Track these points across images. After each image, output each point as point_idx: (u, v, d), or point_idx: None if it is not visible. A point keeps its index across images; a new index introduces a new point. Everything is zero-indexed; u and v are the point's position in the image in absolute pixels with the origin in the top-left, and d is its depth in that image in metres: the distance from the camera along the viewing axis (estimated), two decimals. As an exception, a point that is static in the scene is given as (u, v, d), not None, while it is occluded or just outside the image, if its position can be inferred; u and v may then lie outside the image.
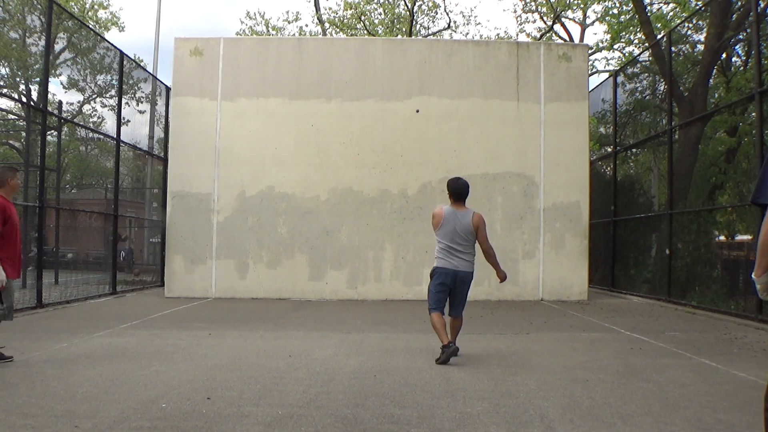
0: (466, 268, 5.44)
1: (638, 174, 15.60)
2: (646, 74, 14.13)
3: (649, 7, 16.45)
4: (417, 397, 4.18)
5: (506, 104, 11.60)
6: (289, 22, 24.97)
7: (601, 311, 9.56)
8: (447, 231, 5.43)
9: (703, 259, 11.06)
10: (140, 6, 55.83)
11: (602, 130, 16.32)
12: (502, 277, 5.57)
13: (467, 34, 32.33)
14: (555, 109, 11.59)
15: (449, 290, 5.49)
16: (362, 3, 22.74)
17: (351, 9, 22.65)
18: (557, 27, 23.67)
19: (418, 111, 11.37)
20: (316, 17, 23.55)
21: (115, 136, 12.08)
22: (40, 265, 9.27)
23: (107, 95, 17.31)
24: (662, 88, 13.12)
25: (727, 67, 13.17)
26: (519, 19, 38.97)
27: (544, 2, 22.12)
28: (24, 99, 19.10)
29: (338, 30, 23.27)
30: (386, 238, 11.41)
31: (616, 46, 20.24)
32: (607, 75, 19.65)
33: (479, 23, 55.64)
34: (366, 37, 20.81)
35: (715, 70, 12.44)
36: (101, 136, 19.27)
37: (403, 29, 22.95)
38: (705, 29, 12.32)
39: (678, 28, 12.95)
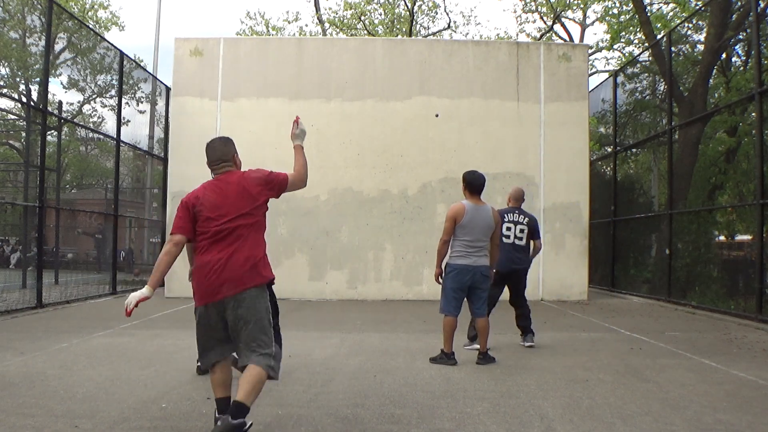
0: (486, 263, 5.33)
1: (638, 174, 15.60)
2: (646, 74, 14.13)
3: (649, 7, 16.46)
4: (417, 397, 4.18)
5: (506, 104, 11.60)
6: (289, 22, 25.02)
7: (601, 311, 9.56)
8: (471, 227, 5.26)
9: (703, 259, 11.06)
10: (140, 6, 55.84)
11: (602, 130, 16.31)
12: (490, 278, 5.49)
13: (467, 34, 32.38)
14: (555, 109, 11.58)
15: (467, 290, 5.34)
16: (362, 3, 22.74)
17: (351, 9, 22.65)
18: (557, 27, 23.70)
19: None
20: (316, 17, 23.57)
21: (115, 136, 12.08)
22: (40, 265, 9.26)
23: (107, 95, 17.35)
24: (662, 88, 13.12)
25: (727, 67, 13.17)
26: (519, 19, 39.06)
27: (544, 2, 22.12)
28: (24, 99, 19.11)
29: (338, 30, 23.27)
30: (386, 238, 11.41)
31: (616, 46, 20.25)
32: (607, 75, 19.66)
33: (479, 23, 55.70)
34: (366, 37, 20.81)
35: (715, 70, 12.43)
36: (101, 136, 19.28)
37: (403, 29, 22.95)
38: (705, 29, 12.33)
39: (678, 28, 12.95)
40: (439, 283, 5.50)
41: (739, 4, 11.38)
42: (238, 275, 3.14)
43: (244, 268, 3.17)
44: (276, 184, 3.47)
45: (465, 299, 5.41)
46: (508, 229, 6.15)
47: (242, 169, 3.55)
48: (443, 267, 5.44)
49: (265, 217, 3.40)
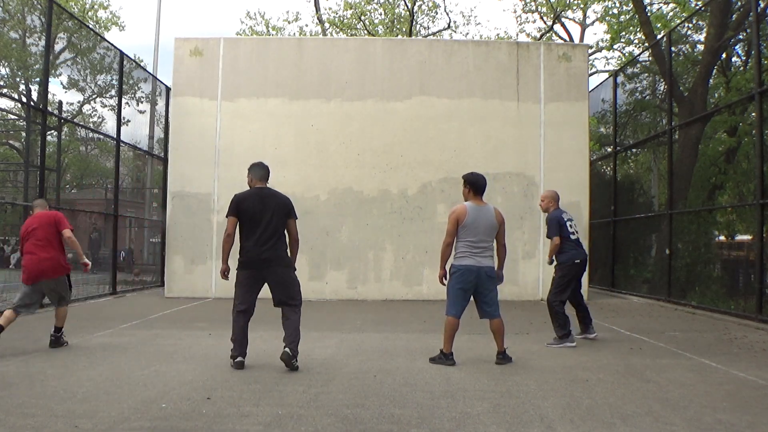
0: (490, 263, 5.31)
1: (638, 174, 15.59)
2: (646, 74, 14.12)
3: (649, 7, 16.45)
4: (417, 397, 4.18)
5: (506, 104, 11.60)
6: (289, 22, 24.99)
7: (601, 311, 9.56)
8: (474, 227, 5.25)
9: (703, 259, 11.06)
10: (140, 6, 55.86)
11: (602, 130, 16.31)
12: (501, 278, 5.47)
13: (467, 34, 32.36)
14: (555, 109, 11.58)
15: (473, 291, 5.32)
16: (362, 3, 22.74)
17: (351, 9, 22.64)
18: (557, 27, 23.68)
19: None
20: (316, 17, 23.56)
21: (115, 136, 12.08)
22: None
23: (107, 95, 17.34)
24: (662, 88, 13.12)
25: (727, 67, 13.15)
26: (519, 19, 38.99)
27: (544, 2, 22.11)
28: (24, 99, 19.11)
29: (338, 30, 23.26)
30: (386, 238, 11.41)
31: (616, 46, 20.24)
32: (607, 75, 19.66)
33: (479, 23, 55.74)
34: (366, 37, 20.80)
35: (715, 70, 12.43)
36: (101, 136, 19.28)
37: (403, 29, 22.94)
38: (705, 29, 12.32)
39: (678, 28, 12.94)
40: (443, 284, 5.48)
41: (739, 4, 11.37)
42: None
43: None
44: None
45: (473, 301, 5.39)
46: (570, 227, 6.63)
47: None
48: (448, 268, 5.42)
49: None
